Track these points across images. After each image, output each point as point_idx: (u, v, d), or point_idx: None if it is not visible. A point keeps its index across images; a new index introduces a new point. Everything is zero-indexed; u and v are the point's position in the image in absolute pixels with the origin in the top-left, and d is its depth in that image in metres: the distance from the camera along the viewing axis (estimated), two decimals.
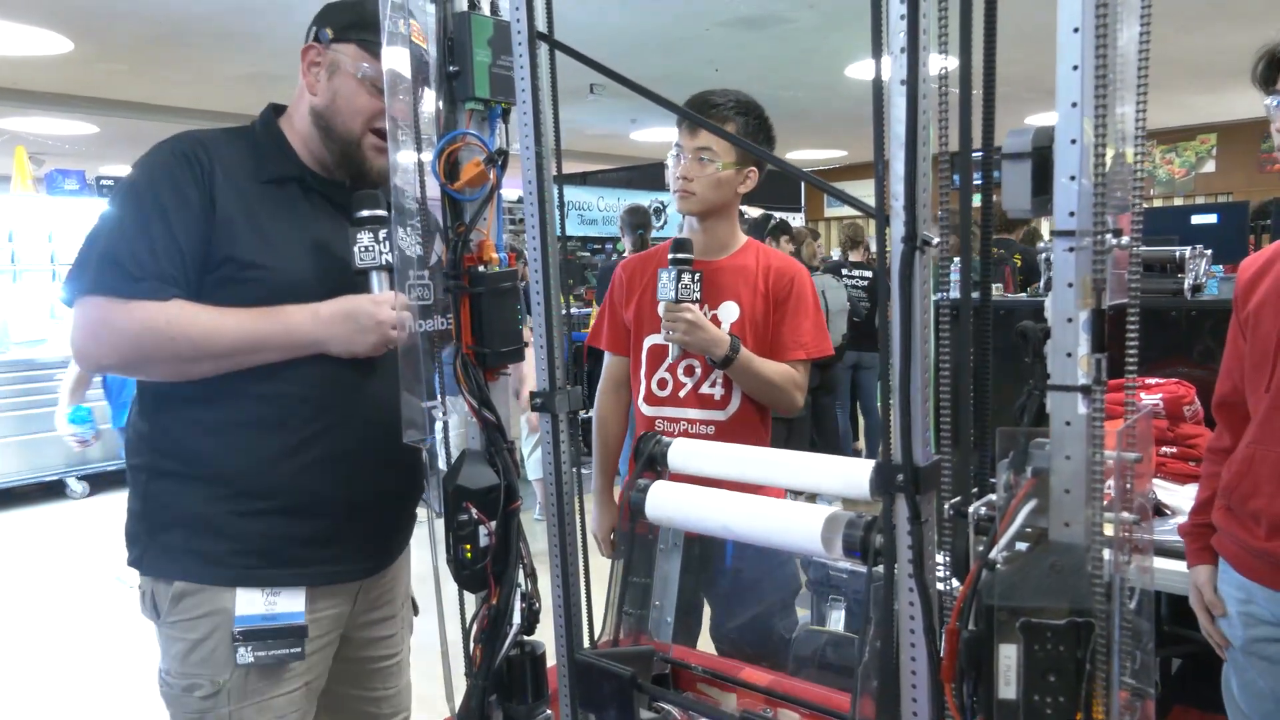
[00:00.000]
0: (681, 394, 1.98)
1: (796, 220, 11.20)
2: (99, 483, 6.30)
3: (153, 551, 1.42)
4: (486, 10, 1.18)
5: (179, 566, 1.40)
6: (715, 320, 1.96)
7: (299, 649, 1.40)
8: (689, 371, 1.98)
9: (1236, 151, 10.20)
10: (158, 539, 1.41)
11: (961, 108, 0.82)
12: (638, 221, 5.84)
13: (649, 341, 2.01)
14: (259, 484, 1.40)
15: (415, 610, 1.71)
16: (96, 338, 1.34)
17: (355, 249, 1.38)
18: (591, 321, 6.95)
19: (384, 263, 1.39)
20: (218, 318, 1.34)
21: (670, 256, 1.85)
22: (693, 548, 1.91)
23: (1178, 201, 10.51)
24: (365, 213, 1.39)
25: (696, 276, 1.83)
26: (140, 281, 1.31)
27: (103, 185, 7.07)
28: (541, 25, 1.12)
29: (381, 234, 1.38)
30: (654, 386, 2.01)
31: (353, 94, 1.44)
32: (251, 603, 1.38)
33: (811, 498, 3.73)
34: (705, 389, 1.97)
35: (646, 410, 2.03)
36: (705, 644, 2.05)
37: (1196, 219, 4.65)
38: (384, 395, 1.43)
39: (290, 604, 1.41)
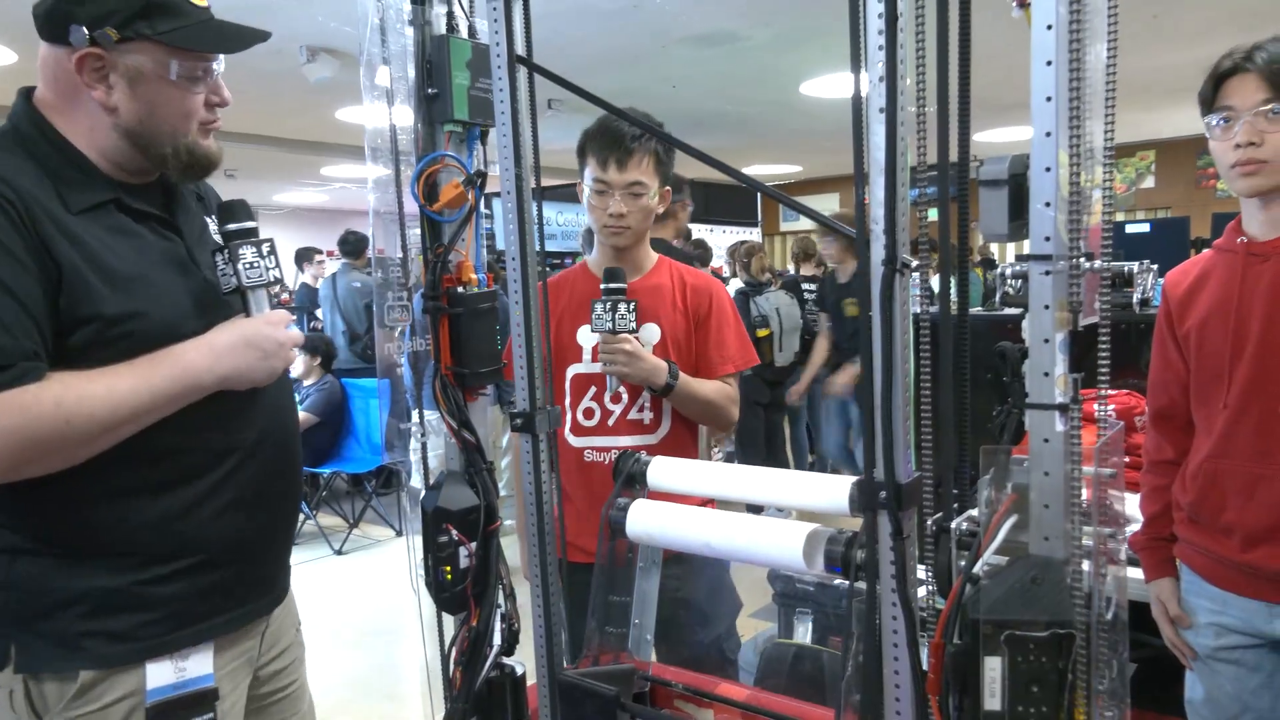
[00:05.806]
0: (610, 422, 1.92)
1: (754, 234, 11.32)
2: None
3: (32, 645, 1.20)
4: (465, 33, 1.19)
5: (82, 654, 1.20)
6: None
7: (211, 714, 1.27)
8: (616, 399, 1.91)
9: (1174, 167, 10.55)
10: (37, 629, 1.20)
11: (940, 132, 0.85)
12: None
13: (572, 371, 1.93)
14: (167, 545, 1.24)
15: None
16: None
17: (239, 265, 1.23)
18: None
19: (272, 278, 1.25)
20: (109, 381, 1.13)
21: (603, 287, 1.78)
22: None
23: (1120, 216, 10.82)
24: (236, 225, 1.25)
25: (631, 306, 1.76)
26: (5, 369, 1.07)
27: None
28: (519, 48, 1.13)
29: (265, 247, 1.24)
30: (580, 417, 1.93)
31: (176, 99, 1.22)
32: (162, 673, 1.24)
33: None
34: (634, 414, 1.91)
35: (574, 441, 1.93)
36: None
37: (1131, 228, 4.86)
38: (271, 421, 1.35)
39: (199, 666, 1.27)
